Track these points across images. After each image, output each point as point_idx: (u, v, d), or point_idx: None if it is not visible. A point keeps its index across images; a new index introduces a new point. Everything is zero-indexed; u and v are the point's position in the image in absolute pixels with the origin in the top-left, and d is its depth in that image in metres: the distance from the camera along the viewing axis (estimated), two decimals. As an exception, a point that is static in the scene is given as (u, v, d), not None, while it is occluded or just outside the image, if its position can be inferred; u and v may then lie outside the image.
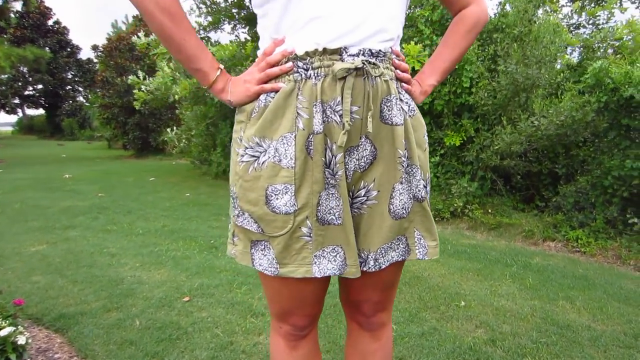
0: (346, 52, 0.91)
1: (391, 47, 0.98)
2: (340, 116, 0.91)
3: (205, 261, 3.39)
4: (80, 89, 29.90)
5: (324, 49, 0.90)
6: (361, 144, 0.95)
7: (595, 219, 4.23)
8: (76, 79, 29.71)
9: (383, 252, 1.00)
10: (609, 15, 5.54)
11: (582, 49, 5.26)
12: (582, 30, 5.89)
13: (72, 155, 14.24)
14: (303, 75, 0.92)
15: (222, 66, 1.00)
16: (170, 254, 3.59)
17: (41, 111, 31.78)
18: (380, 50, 0.94)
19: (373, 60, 0.92)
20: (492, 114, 4.88)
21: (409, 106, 1.01)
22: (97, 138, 21.03)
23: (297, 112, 0.92)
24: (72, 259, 3.41)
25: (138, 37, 6.80)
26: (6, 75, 24.33)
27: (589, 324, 2.44)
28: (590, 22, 5.81)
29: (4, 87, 27.91)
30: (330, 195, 0.95)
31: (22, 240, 3.96)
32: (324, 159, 0.92)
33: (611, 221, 4.19)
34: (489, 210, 4.85)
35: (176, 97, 6.28)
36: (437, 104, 5.22)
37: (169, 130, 6.40)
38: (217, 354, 2.08)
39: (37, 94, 30.07)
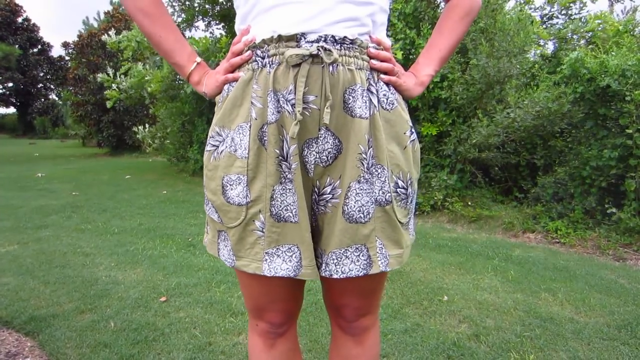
0: (304, 39, 0.86)
1: (369, 35, 0.91)
2: (293, 106, 0.86)
3: (182, 259, 3.31)
4: (52, 86, 29.20)
5: (279, 36, 0.87)
6: (321, 136, 0.88)
7: (574, 209, 4.27)
8: (48, 77, 29.04)
9: (335, 258, 0.91)
10: (581, 6, 5.61)
11: (555, 39, 5.32)
12: (555, 21, 5.95)
13: (45, 154, 13.85)
14: (260, 63, 0.90)
15: (199, 59, 1.02)
16: (147, 252, 3.49)
17: (12, 110, 30.96)
18: (346, 37, 0.86)
19: (336, 47, 0.86)
20: (467, 107, 4.89)
21: (386, 99, 0.93)
22: (71, 136, 20.54)
23: (252, 102, 0.90)
24: (44, 260, 3.29)
25: (109, 35, 6.62)
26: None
27: (571, 316, 2.44)
28: (563, 13, 5.87)
29: (-29, 86, 27.11)
30: (287, 191, 0.90)
31: (-9, 241, 3.81)
32: (278, 150, 0.88)
33: (590, 211, 4.24)
34: (469, 203, 4.87)
35: (149, 89, 6.13)
36: (411, 100, 5.22)
37: (140, 128, 6.23)
38: (195, 355, 2.00)
39: (8, 92, 29.26)
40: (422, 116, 5.31)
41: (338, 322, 1.12)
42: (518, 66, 4.38)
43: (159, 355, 2.01)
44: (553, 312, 2.48)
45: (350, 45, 0.87)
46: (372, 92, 0.90)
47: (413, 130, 0.99)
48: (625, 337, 2.19)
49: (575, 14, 5.96)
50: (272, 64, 0.88)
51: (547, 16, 6.21)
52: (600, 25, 5.20)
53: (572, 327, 2.29)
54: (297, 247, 0.91)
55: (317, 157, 0.89)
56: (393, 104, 0.93)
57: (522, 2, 5.76)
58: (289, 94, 0.86)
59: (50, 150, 15.48)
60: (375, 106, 0.90)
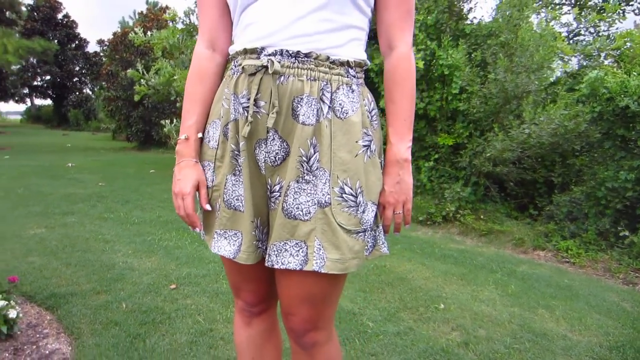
0: (263, 52, 0.99)
1: (330, 52, 0.98)
2: (244, 108, 1.00)
3: (195, 252, 3.47)
4: (87, 81, 30.22)
5: (245, 49, 1.01)
6: (269, 138, 1.00)
7: (587, 230, 4.26)
8: (83, 72, 30.06)
9: (276, 250, 1.01)
10: (610, 22, 5.58)
11: (581, 56, 5.32)
12: (581, 37, 5.94)
13: (77, 145, 14.37)
14: (233, 71, 1.06)
15: (186, 136, 1.11)
16: (163, 243, 3.66)
17: (49, 101, 32.13)
18: (299, 51, 0.97)
19: (291, 60, 0.97)
20: (484, 120, 4.94)
21: (341, 108, 0.99)
22: (103, 129, 21.20)
23: (222, 103, 1.07)
24: (68, 243, 3.50)
25: (135, 32, 6.88)
26: (16, 66, 24.58)
27: (565, 333, 2.48)
28: (591, 30, 5.86)
29: (14, 77, 28.23)
30: (239, 182, 1.05)
31: (23, 223, 4.06)
32: (234, 145, 1.04)
33: (603, 233, 4.22)
34: (481, 217, 4.90)
35: (176, 87, 6.35)
36: (430, 109, 5.30)
37: (167, 122, 6.44)
38: (196, 338, 2.15)
39: (45, 85, 30.46)
40: (439, 127, 5.38)
41: (290, 335, 1.14)
42: (536, 82, 4.41)
43: (163, 336, 2.16)
44: (547, 328, 2.53)
45: (305, 59, 0.97)
46: (323, 102, 0.98)
47: (370, 139, 1.03)
48: (615, 358, 2.23)
49: (604, 30, 5.93)
50: (237, 72, 1.03)
51: (574, 32, 6.20)
52: (627, 43, 5.18)
53: (563, 344, 2.34)
54: (241, 234, 1.05)
55: (267, 156, 1.01)
56: (347, 113, 0.99)
57: (548, 18, 5.78)
58: (243, 98, 1.00)
59: (82, 142, 16.03)
60: (324, 114, 0.98)
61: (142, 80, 6.98)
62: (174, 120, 6.32)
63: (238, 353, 1.31)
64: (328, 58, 0.99)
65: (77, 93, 29.37)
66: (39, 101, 33.68)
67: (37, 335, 2.15)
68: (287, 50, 0.97)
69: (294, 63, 0.97)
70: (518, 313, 2.70)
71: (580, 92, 4.30)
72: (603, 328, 2.56)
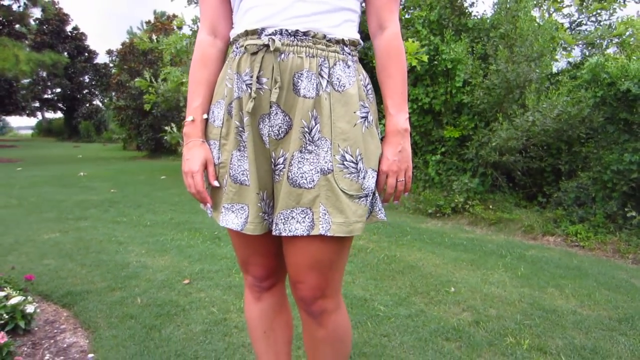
0: (264, 33, 1.05)
1: (326, 31, 1.04)
2: (247, 85, 1.06)
3: (207, 250, 3.52)
4: (97, 92, 30.61)
5: (246, 31, 1.07)
6: (272, 112, 1.05)
7: (595, 213, 4.26)
8: (93, 83, 30.47)
9: (283, 218, 1.05)
10: (612, 12, 5.58)
11: (584, 45, 5.32)
12: (583, 27, 5.93)
13: (88, 156, 14.56)
14: (235, 53, 1.11)
15: (192, 118, 1.17)
16: (175, 243, 3.73)
17: (59, 114, 32.57)
18: (298, 30, 1.03)
19: (290, 39, 1.03)
20: (488, 111, 4.96)
21: (339, 82, 1.05)
22: (113, 140, 21.47)
23: (225, 83, 1.12)
24: (82, 246, 3.57)
25: (140, 38, 6.99)
26: (27, 80, 25.00)
27: (575, 309, 2.50)
28: (592, 19, 5.85)
29: (24, 91, 28.70)
30: (244, 157, 1.10)
31: (37, 228, 4.14)
32: (238, 122, 1.09)
33: (611, 216, 4.22)
34: (490, 206, 4.91)
35: (185, 94, 6.44)
36: (435, 104, 5.33)
37: (169, 128, 6.51)
38: (211, 328, 2.19)
39: (56, 98, 30.90)
40: (445, 120, 5.40)
41: (300, 305, 1.18)
42: (537, 70, 4.42)
43: (178, 327, 2.21)
44: (557, 305, 2.55)
45: (303, 37, 1.03)
46: (322, 77, 1.04)
47: (367, 111, 1.09)
48: (624, 328, 2.25)
49: (605, 20, 5.93)
50: (239, 52, 1.09)
51: (576, 23, 6.20)
52: (629, 30, 5.17)
53: (573, 319, 2.35)
54: (248, 207, 1.10)
55: (270, 130, 1.06)
56: (344, 86, 1.06)
57: (551, 10, 5.79)
58: (246, 75, 1.06)
59: (93, 153, 16.23)
60: (323, 88, 1.04)
61: (150, 88, 7.08)
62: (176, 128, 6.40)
63: (250, 328, 1.35)
64: (324, 36, 1.05)
65: (88, 105, 29.80)
66: (49, 114, 34.20)
67: (55, 331, 2.21)
68: (286, 30, 1.03)
69: (293, 41, 1.03)
70: (528, 293, 2.71)
71: (581, 79, 4.31)
72: (612, 302, 2.58)
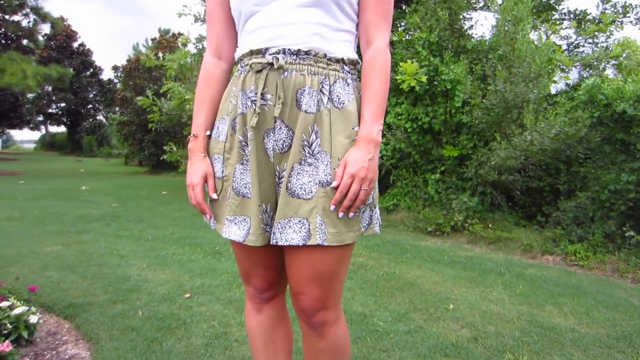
0: (267, 52, 1.11)
1: (327, 51, 1.10)
2: (252, 101, 1.12)
3: (208, 264, 3.55)
4: (101, 107, 30.92)
5: (251, 50, 1.14)
6: (277, 127, 1.11)
7: (594, 233, 4.28)
8: (97, 98, 30.79)
9: (280, 227, 1.09)
10: (609, 34, 5.69)
11: (581, 67, 5.41)
12: (581, 49, 6.04)
13: (90, 171, 14.64)
14: (240, 71, 1.18)
15: (195, 133, 1.25)
16: (176, 257, 3.75)
17: (63, 128, 32.83)
18: (300, 49, 1.09)
19: (293, 57, 1.09)
20: (487, 130, 5.03)
21: (339, 99, 1.11)
22: (115, 155, 21.58)
23: (230, 100, 1.18)
24: (84, 259, 3.60)
25: (147, 56, 7.13)
26: (32, 95, 25.26)
27: (573, 326, 2.52)
28: (590, 41, 5.96)
29: (29, 105, 28.98)
30: (246, 171, 1.15)
31: (39, 241, 4.18)
32: (241, 137, 1.15)
33: (610, 235, 4.24)
34: (489, 225, 4.94)
35: (188, 112, 6.54)
36: (434, 123, 5.40)
37: (170, 146, 6.59)
38: (211, 341, 2.21)
39: (60, 112, 31.18)
40: (444, 139, 5.47)
41: (300, 316, 1.20)
42: (535, 91, 4.49)
43: (179, 340, 2.23)
44: (555, 322, 2.56)
45: (305, 56, 1.10)
46: (323, 93, 1.10)
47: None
48: (622, 346, 2.26)
49: (602, 42, 6.04)
50: (244, 71, 1.15)
51: (574, 44, 6.32)
52: (625, 52, 5.27)
53: (571, 336, 2.37)
54: (250, 219, 1.15)
55: (275, 144, 1.12)
56: (343, 103, 1.11)
57: (549, 32, 5.90)
58: (251, 92, 1.12)
59: (95, 168, 16.32)
60: (324, 104, 1.10)
61: (154, 107, 7.19)
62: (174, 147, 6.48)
63: (250, 339, 1.38)
64: (325, 55, 1.11)
65: (91, 119, 30.07)
66: (53, 128, 34.49)
67: (57, 342, 2.23)
68: (289, 49, 1.10)
69: (295, 60, 1.10)
70: (526, 310, 2.73)
71: (578, 99, 4.39)
72: (610, 320, 2.59)
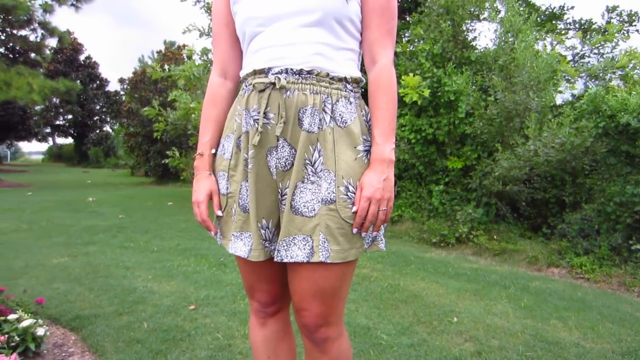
0: (270, 72, 1.13)
1: (329, 70, 1.12)
2: (255, 120, 1.14)
3: (213, 276, 3.56)
4: (107, 119, 31.25)
5: (254, 70, 1.16)
6: (279, 145, 1.13)
7: (600, 245, 4.27)
8: (104, 110, 31.13)
9: (285, 245, 1.11)
10: (615, 45, 5.70)
11: (587, 77, 5.43)
12: (586, 59, 6.06)
13: (97, 182, 14.74)
14: (244, 90, 1.20)
15: (201, 152, 1.28)
16: (182, 268, 3.77)
17: (70, 140, 33.16)
18: (302, 69, 1.11)
19: (295, 77, 1.11)
20: (490, 141, 5.04)
21: (341, 118, 1.13)
22: (121, 166, 21.75)
23: (235, 118, 1.21)
24: (91, 270, 3.63)
25: (153, 68, 7.22)
26: (40, 107, 25.57)
27: (578, 341, 2.51)
28: (595, 52, 5.98)
29: (37, 117, 29.32)
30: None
31: (46, 253, 4.22)
32: (246, 155, 1.17)
33: (616, 248, 4.22)
34: (494, 237, 4.93)
35: (193, 118, 6.60)
36: (438, 134, 5.42)
37: (174, 151, 6.64)
38: (215, 353, 2.23)
39: (67, 124, 31.54)
40: (448, 151, 5.48)
41: (303, 332, 1.21)
42: (536, 99, 4.51)
43: (184, 352, 2.24)
44: (560, 337, 2.55)
45: (307, 75, 1.12)
46: (325, 112, 1.12)
47: (368, 145, 1.15)
48: (627, 362, 2.25)
49: (608, 52, 6.06)
50: (248, 90, 1.18)
51: (579, 55, 6.34)
52: (632, 62, 5.28)
53: (576, 351, 2.36)
54: (252, 235, 1.17)
55: (277, 162, 1.14)
56: (346, 122, 1.13)
57: (554, 42, 5.93)
58: (254, 111, 1.14)
59: (102, 179, 16.43)
60: (326, 123, 1.11)
61: (159, 117, 7.26)
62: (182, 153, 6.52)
63: (254, 353, 1.40)
64: (328, 74, 1.13)
65: (98, 131, 30.38)
66: (60, 140, 34.83)
67: (63, 354, 2.25)
68: (291, 69, 1.12)
69: (298, 79, 1.12)
70: (531, 324, 2.72)
71: (581, 109, 4.40)
72: (616, 336, 2.58)
